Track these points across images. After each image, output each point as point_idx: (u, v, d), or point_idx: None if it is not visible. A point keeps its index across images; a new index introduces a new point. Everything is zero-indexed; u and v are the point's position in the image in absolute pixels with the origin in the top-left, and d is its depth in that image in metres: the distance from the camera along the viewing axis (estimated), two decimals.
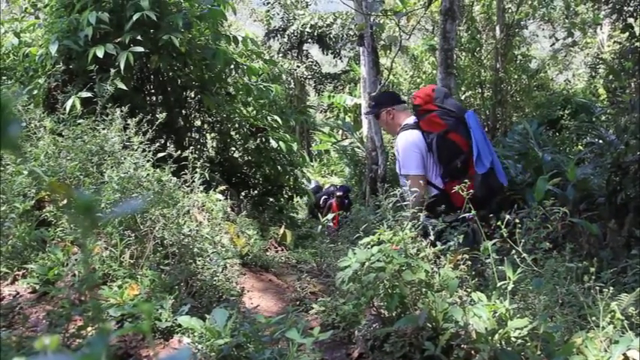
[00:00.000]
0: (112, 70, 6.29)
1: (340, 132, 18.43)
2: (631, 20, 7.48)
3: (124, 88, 6.50)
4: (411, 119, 5.36)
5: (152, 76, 7.94)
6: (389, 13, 11.53)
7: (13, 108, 0.66)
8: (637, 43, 7.27)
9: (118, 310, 3.73)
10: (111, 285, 4.09)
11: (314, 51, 26.18)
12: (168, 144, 5.56)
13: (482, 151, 5.09)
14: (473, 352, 3.10)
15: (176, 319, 3.68)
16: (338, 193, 10.46)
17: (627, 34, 7.24)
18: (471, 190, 4.17)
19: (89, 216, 0.76)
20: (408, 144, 5.19)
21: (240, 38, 8.16)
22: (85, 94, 6.47)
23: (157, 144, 5.50)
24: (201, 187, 5.56)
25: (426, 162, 5.17)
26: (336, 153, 16.06)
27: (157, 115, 5.87)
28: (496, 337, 3.03)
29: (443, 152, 5.16)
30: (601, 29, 17.40)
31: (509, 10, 15.67)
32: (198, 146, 8.41)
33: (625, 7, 7.50)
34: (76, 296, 3.43)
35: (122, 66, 6.50)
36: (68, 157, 5.12)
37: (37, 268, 4.18)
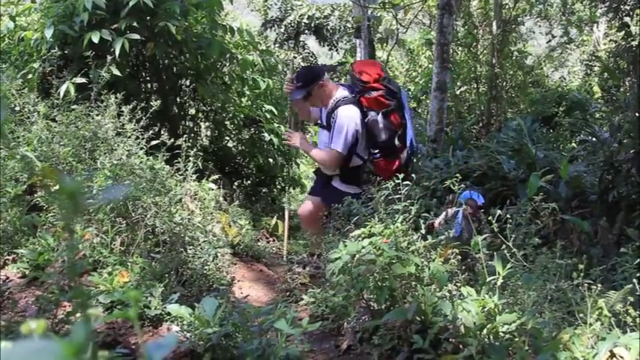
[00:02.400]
0: (109, 57, 6.28)
1: None
2: (627, 19, 7.49)
3: (119, 74, 6.48)
4: (344, 92, 5.60)
5: (147, 64, 7.92)
6: (386, 6, 11.52)
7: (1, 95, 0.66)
8: (633, 42, 7.29)
9: (107, 296, 3.73)
10: (101, 272, 4.08)
11: (311, 42, 26.12)
12: (162, 132, 5.56)
13: (410, 131, 5.71)
14: (461, 346, 3.11)
15: (165, 307, 3.68)
16: None
17: (623, 32, 7.26)
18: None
19: (74, 202, 0.76)
20: (349, 121, 5.45)
21: (236, 28, 8.14)
22: (80, 79, 6.45)
23: (151, 131, 5.51)
24: (194, 176, 5.56)
25: (359, 136, 5.52)
26: None
27: (152, 103, 5.87)
28: (484, 331, 3.04)
29: (384, 131, 5.52)
30: (597, 27, 17.43)
31: (507, 6, 15.65)
32: (192, 135, 8.39)
33: (622, 6, 7.50)
34: (66, 282, 3.43)
35: (117, 52, 6.48)
36: (61, 143, 5.11)
37: (28, 253, 4.18)
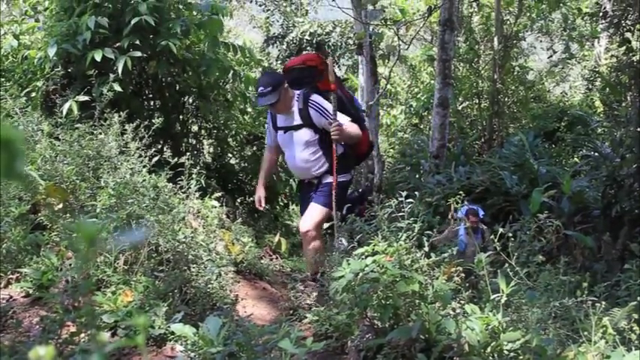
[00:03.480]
0: (112, 75, 6.31)
1: None
2: (628, 34, 7.52)
3: (120, 90, 6.50)
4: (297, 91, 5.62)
5: (150, 81, 7.95)
6: (388, 23, 11.55)
7: (19, 142, 0.70)
8: (634, 57, 7.31)
9: (111, 316, 3.73)
10: (105, 291, 4.08)
11: None
12: (165, 149, 5.58)
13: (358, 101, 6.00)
14: None
15: (169, 327, 3.68)
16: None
17: (624, 48, 7.29)
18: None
19: (92, 245, 0.77)
20: (327, 102, 5.47)
21: (238, 46, 8.17)
22: (83, 97, 6.47)
23: (154, 149, 5.52)
24: (197, 194, 5.57)
25: None
26: None
27: (154, 121, 5.89)
28: (488, 349, 3.03)
29: (349, 104, 5.72)
30: (598, 42, 17.45)
31: (508, 22, 15.71)
32: (195, 152, 8.41)
33: (622, 22, 7.53)
34: (70, 302, 3.43)
35: (120, 70, 6.51)
36: (65, 162, 5.12)
37: (31, 273, 4.18)
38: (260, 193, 6.00)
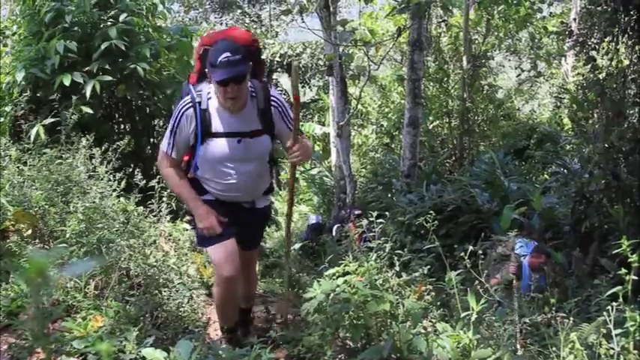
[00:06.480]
0: (74, 98, 6.30)
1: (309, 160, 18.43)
2: (593, 53, 7.64)
3: (90, 111, 6.48)
4: None
5: (120, 105, 7.94)
6: (358, 44, 11.63)
7: None
8: (599, 75, 7.42)
9: (81, 342, 3.68)
10: (75, 317, 4.04)
11: (283, 80, 26.26)
12: (135, 172, 5.54)
13: None
14: None
15: (140, 352, 3.65)
16: (356, 212, 9.05)
17: (590, 66, 7.39)
18: None
19: (41, 277, 0.77)
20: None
21: None
22: (51, 120, 6.46)
23: (124, 173, 5.50)
24: (168, 217, 5.54)
25: None
26: (304, 182, 15.99)
27: (120, 143, 5.88)
28: None
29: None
30: (565, 60, 17.69)
31: (476, 42, 15.89)
32: None
33: (588, 40, 7.65)
34: (39, 328, 3.38)
35: (88, 94, 6.50)
36: (33, 187, 5.08)
37: (1, 300, 4.12)
38: (211, 213, 4.04)
